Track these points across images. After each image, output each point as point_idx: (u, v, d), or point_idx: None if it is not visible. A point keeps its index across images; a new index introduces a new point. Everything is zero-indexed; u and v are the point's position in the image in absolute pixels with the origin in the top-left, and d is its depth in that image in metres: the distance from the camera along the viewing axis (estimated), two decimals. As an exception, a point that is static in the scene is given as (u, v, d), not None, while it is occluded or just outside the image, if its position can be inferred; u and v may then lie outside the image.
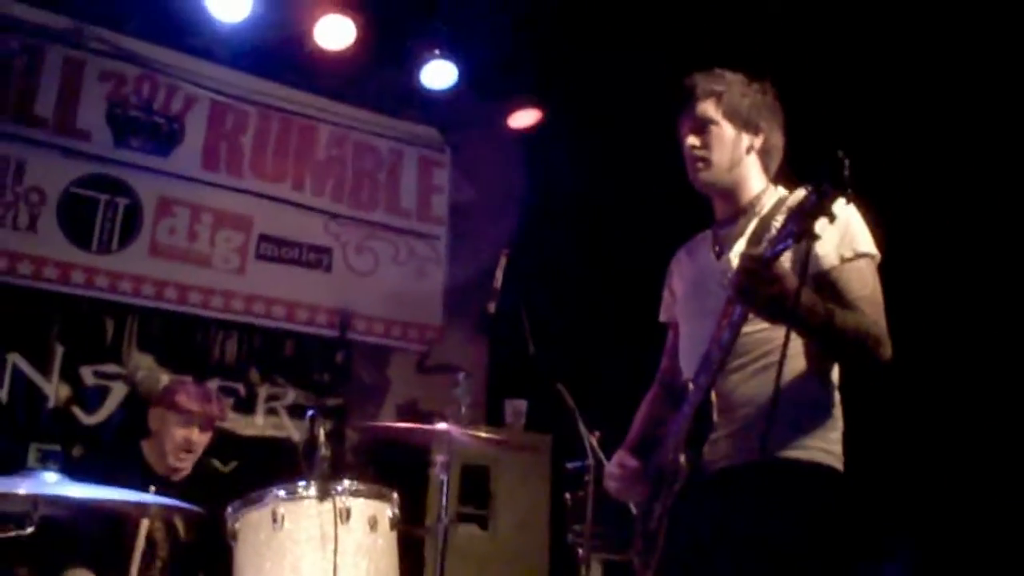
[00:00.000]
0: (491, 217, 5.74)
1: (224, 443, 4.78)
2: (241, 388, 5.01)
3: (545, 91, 5.47)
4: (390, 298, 5.47)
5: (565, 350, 4.18)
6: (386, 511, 2.85)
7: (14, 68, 4.69)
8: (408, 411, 5.27)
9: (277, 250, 5.24)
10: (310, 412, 3.15)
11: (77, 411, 4.56)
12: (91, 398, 4.60)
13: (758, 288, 2.00)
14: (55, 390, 4.53)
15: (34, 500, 2.43)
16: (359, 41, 5.02)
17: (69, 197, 4.72)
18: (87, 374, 4.62)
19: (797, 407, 2.21)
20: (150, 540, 3.40)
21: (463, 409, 4.40)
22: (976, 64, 3.58)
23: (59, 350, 4.57)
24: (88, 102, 4.85)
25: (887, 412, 3.45)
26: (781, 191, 2.44)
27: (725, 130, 2.43)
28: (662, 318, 2.74)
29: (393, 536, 2.86)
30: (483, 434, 3.58)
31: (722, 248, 2.44)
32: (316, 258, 5.35)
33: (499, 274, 3.64)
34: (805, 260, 1.94)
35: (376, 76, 5.50)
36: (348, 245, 5.46)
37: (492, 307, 3.60)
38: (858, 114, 3.76)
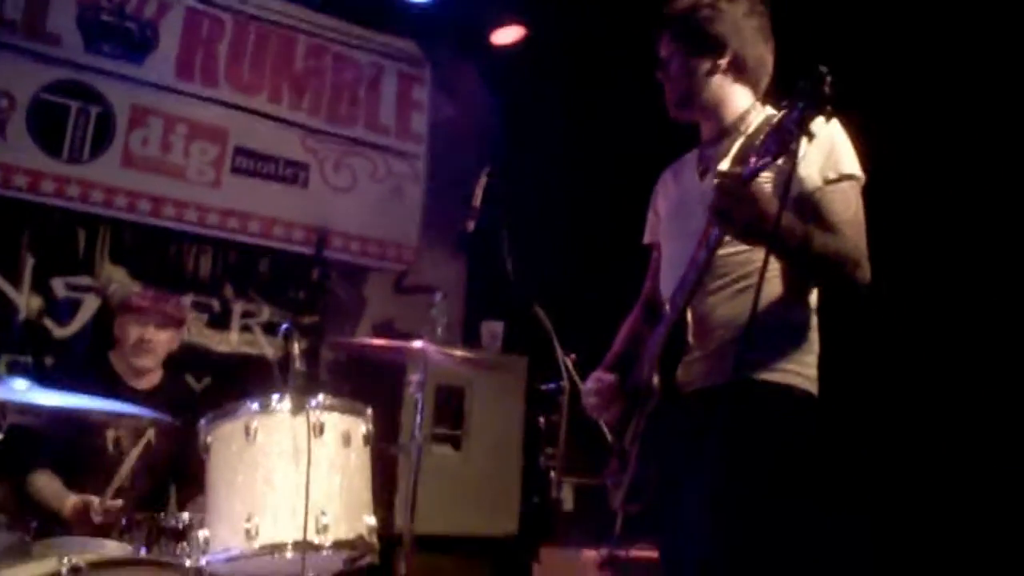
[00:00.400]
0: (471, 135, 5.66)
1: (197, 359, 4.77)
2: (215, 304, 4.96)
3: (528, 7, 5.34)
4: (368, 216, 5.40)
5: (544, 272, 4.16)
6: (360, 427, 2.83)
7: (-19, -32, 4.53)
8: (384, 330, 5.26)
9: (253, 164, 5.14)
10: (284, 327, 3.12)
11: (49, 323, 4.51)
12: (63, 310, 4.54)
13: (734, 208, 1.97)
14: (26, 301, 4.46)
15: (2, 407, 2.41)
16: (340, -51, 4.87)
17: (39, 103, 4.59)
18: (59, 286, 4.55)
19: (773, 330, 2.20)
20: (117, 447, 3.41)
21: (439, 329, 4.40)
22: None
23: (30, 261, 4.49)
24: (58, 5, 4.69)
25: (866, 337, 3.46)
26: (769, 109, 2.36)
27: (681, 61, 2.40)
28: (646, 239, 2.69)
29: (367, 452, 2.85)
30: (459, 353, 3.57)
31: (707, 168, 2.40)
32: (293, 173, 5.26)
33: (478, 193, 3.60)
34: (788, 181, 1.89)
35: (357, -14, 5.35)
36: (326, 161, 5.37)
37: (471, 226, 3.57)
38: (853, 29, 3.69)
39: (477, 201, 3.57)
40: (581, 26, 4.98)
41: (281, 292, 5.13)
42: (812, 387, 2.27)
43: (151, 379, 3.70)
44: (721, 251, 2.18)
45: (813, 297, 2.32)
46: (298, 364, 3.10)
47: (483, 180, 3.62)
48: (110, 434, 3.42)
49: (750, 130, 2.30)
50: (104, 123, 4.74)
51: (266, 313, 5.08)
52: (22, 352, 4.39)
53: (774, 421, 2.18)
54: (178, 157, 4.92)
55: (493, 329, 5.10)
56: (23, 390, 2.51)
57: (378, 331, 5.27)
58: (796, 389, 2.23)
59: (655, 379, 2.28)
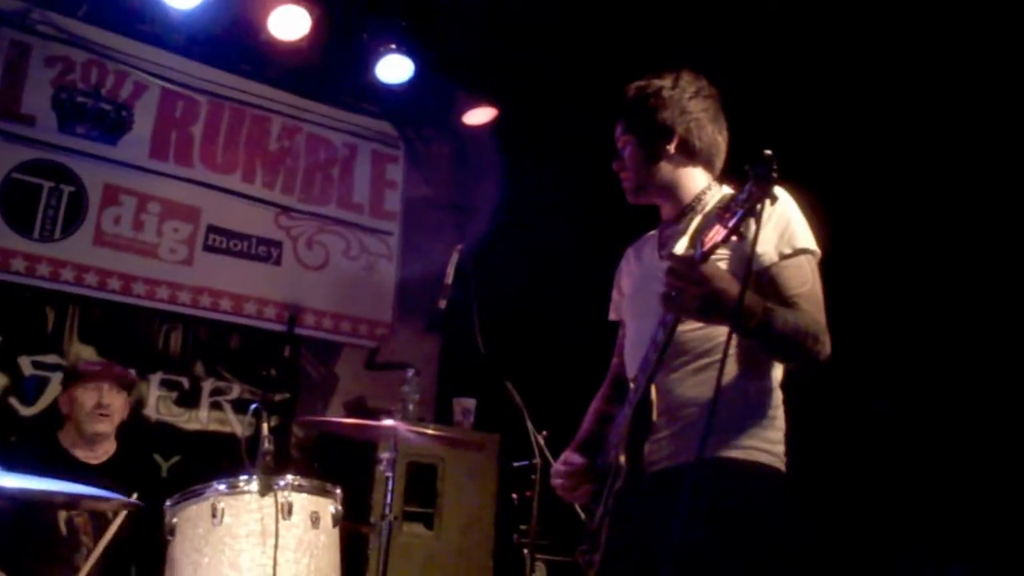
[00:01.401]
0: (444, 214, 5.72)
1: (166, 437, 4.72)
2: (185, 381, 4.92)
3: (500, 89, 5.45)
4: (340, 293, 5.41)
5: (515, 349, 4.17)
6: (329, 507, 2.82)
7: (-43, 49, 4.58)
8: (356, 408, 5.23)
9: (226, 242, 5.16)
10: (254, 406, 3.11)
11: (14, 402, 4.46)
12: (29, 389, 4.49)
13: (687, 290, 2.01)
14: (-9, 379, 4.42)
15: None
16: (314, 32, 4.97)
17: (11, 183, 4.61)
18: (25, 364, 4.51)
19: (736, 407, 2.21)
20: (71, 528, 3.33)
21: (411, 406, 4.39)
22: (923, 56, 3.63)
23: (-3, 338, 4.47)
24: (33, 86, 4.74)
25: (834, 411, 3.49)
26: (726, 188, 2.43)
27: (632, 148, 2.47)
28: (612, 316, 2.72)
29: (335, 533, 2.83)
30: (430, 431, 3.55)
31: (666, 247, 2.44)
32: (266, 251, 5.28)
33: (450, 271, 3.62)
34: (747, 260, 1.95)
35: (331, 69, 5.44)
36: (299, 239, 5.40)
37: (443, 303, 3.58)
38: (805, 107, 3.80)
39: (449, 279, 3.59)
40: (550, 107, 5.09)
41: (252, 369, 5.10)
42: (779, 463, 2.27)
43: (106, 450, 3.64)
44: (681, 328, 2.21)
45: (777, 372, 2.34)
46: (268, 443, 3.07)
47: (455, 257, 3.64)
48: (62, 515, 3.35)
49: (707, 209, 2.35)
50: (76, 202, 4.76)
51: (236, 390, 5.04)
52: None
53: (741, 499, 2.17)
54: (151, 235, 4.93)
55: (466, 405, 5.08)
56: (-15, 472, 2.47)
57: (349, 408, 5.24)
58: (762, 466, 2.23)
59: (622, 459, 2.28)
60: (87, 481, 2.73)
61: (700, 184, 2.43)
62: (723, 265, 2.15)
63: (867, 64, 3.76)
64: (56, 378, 4.50)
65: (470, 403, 5.07)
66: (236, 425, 4.98)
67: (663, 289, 2.10)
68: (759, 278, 2.19)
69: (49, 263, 4.62)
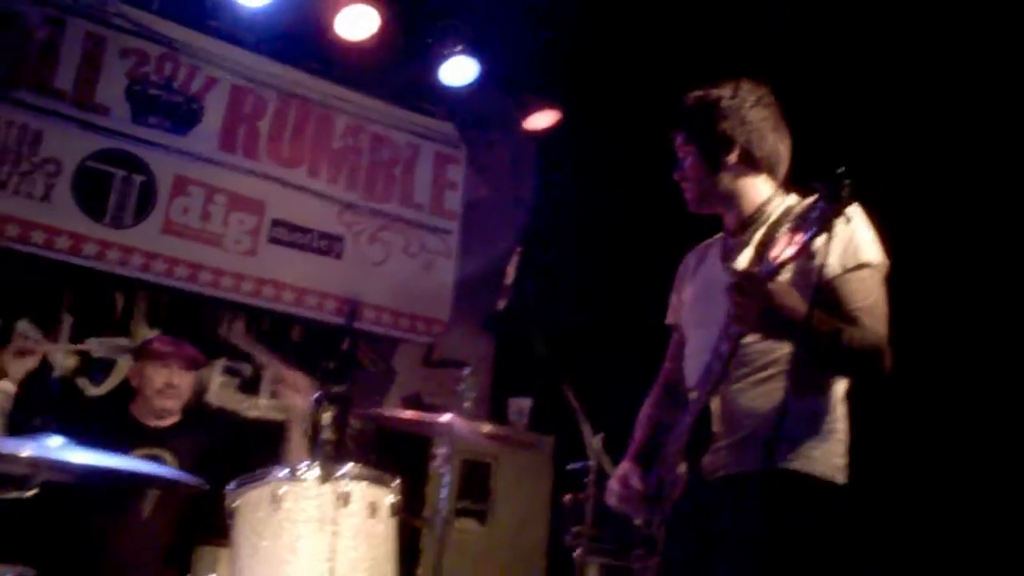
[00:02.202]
0: (504, 215, 5.75)
1: (226, 422, 4.80)
2: (247, 369, 5.01)
3: (564, 92, 5.46)
4: (399, 289, 5.46)
5: (573, 350, 4.17)
6: (386, 498, 2.84)
7: (36, 39, 4.70)
8: (412, 403, 5.26)
9: (289, 235, 5.23)
10: (315, 395, 3.15)
11: (82, 382, 4.57)
12: (97, 370, 4.61)
13: (750, 307, 2.03)
14: (62, 360, 4.53)
15: (36, 464, 2.44)
16: (381, 32, 5.03)
17: (85, 170, 4.72)
18: (94, 345, 4.62)
19: (799, 419, 2.20)
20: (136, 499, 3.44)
21: (466, 404, 4.40)
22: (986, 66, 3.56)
23: (68, 320, 4.57)
24: (108, 77, 4.85)
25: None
26: (790, 199, 2.42)
27: (693, 159, 2.47)
28: (668, 321, 2.73)
29: (392, 523, 2.85)
30: (486, 428, 3.57)
31: (730, 258, 2.44)
32: (327, 245, 5.35)
33: (510, 271, 3.64)
34: (814, 276, 1.99)
35: (396, 68, 5.49)
36: (360, 234, 5.46)
37: (502, 304, 3.60)
38: (876, 121, 3.75)
39: (508, 279, 3.61)
40: (615, 112, 5.08)
41: (311, 360, 5.16)
42: (838, 475, 2.26)
43: (173, 419, 3.77)
44: (744, 340, 2.21)
45: (841, 385, 2.32)
46: (327, 433, 3.12)
47: (515, 259, 3.66)
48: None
49: (771, 219, 2.35)
50: (147, 191, 4.86)
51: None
52: (55, 409, 4.43)
53: (802, 511, 2.17)
54: (217, 226, 5.03)
55: (521, 405, 5.09)
56: (57, 447, 2.54)
57: (406, 403, 5.28)
58: (824, 479, 2.22)
59: (681, 467, 2.30)
60: (155, 443, 2.79)
61: (764, 194, 2.42)
62: (786, 276, 2.14)
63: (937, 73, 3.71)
64: (123, 361, 4.61)
65: (525, 403, 5.08)
66: (295, 414, 5.04)
67: (726, 300, 2.11)
68: (822, 290, 2.16)
69: (119, 249, 4.73)
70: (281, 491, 2.69)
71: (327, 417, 3.17)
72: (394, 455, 4.44)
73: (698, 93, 2.48)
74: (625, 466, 2.59)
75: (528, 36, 5.13)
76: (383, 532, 2.79)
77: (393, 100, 5.68)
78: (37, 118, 4.63)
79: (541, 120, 5.59)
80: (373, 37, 5.05)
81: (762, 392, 2.26)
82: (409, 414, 3.98)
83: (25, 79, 4.64)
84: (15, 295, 4.46)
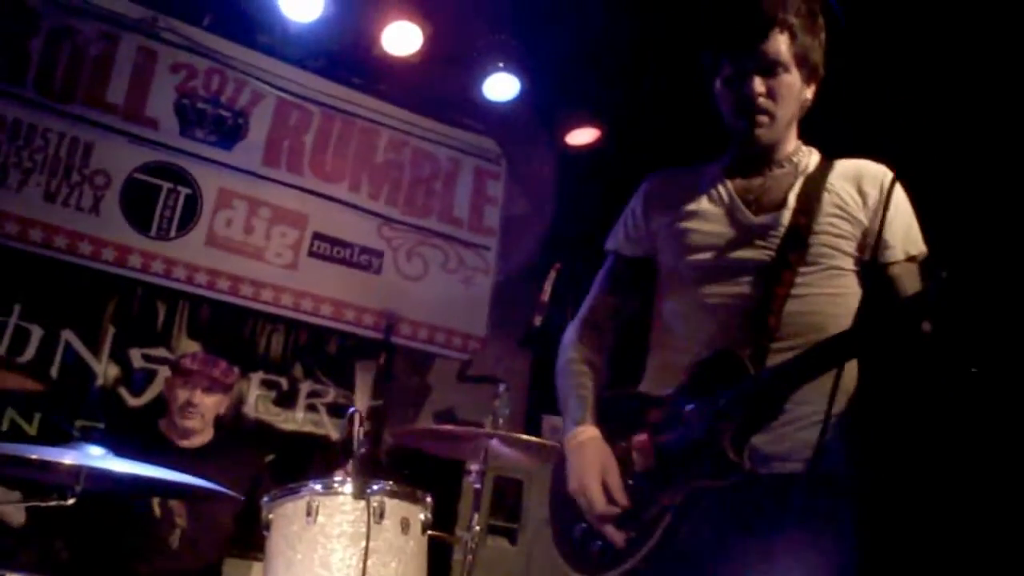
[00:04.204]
0: (543, 232, 5.76)
1: (263, 436, 4.86)
2: (284, 382, 5.05)
3: (605, 110, 5.48)
4: (436, 305, 5.49)
5: (609, 369, 4.16)
6: (419, 514, 2.86)
7: (89, 54, 4.82)
8: (446, 419, 5.28)
9: (330, 249, 5.29)
10: (351, 410, 3.18)
11: (123, 392, 4.65)
12: (138, 380, 4.68)
13: None
14: (104, 369, 4.61)
15: (78, 472, 2.50)
16: (425, 49, 5.08)
17: (132, 182, 4.82)
18: (136, 356, 4.70)
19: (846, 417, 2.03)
20: (165, 511, 3.47)
21: (501, 421, 4.40)
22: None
23: (111, 331, 4.66)
24: (158, 91, 4.96)
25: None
26: (814, 151, 2.20)
27: (794, 78, 2.07)
28: (628, 251, 2.36)
29: (424, 540, 2.86)
30: (521, 445, 3.58)
31: (755, 203, 2.13)
32: (367, 260, 5.40)
33: (547, 288, 3.64)
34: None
35: (439, 84, 5.54)
36: (399, 249, 5.50)
37: (539, 320, 3.61)
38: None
39: (546, 296, 3.62)
40: (655, 130, 5.08)
41: (348, 374, 5.21)
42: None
43: (202, 438, 3.79)
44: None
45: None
46: (361, 448, 3.14)
47: (552, 276, 3.66)
48: (156, 497, 3.50)
49: (808, 170, 2.14)
50: (191, 204, 4.95)
51: (332, 394, 5.15)
52: (96, 419, 4.52)
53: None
54: (259, 239, 5.10)
55: (555, 424, 5.09)
56: (99, 456, 2.59)
57: (440, 418, 5.30)
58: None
59: (731, 451, 1.89)
60: (181, 465, 2.84)
61: (793, 140, 2.19)
62: (834, 240, 2.03)
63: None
64: (163, 371, 4.68)
65: (560, 421, 5.07)
66: (330, 428, 5.09)
67: (763, 243, 2.03)
68: (877, 268, 2.03)
69: (163, 261, 4.82)
70: (316, 504, 2.72)
71: (361, 432, 3.19)
72: (426, 471, 4.46)
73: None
74: (603, 459, 2.08)
75: (569, 53, 5.15)
76: (414, 548, 2.80)
77: (435, 115, 5.73)
78: (88, 131, 4.75)
79: (581, 137, 5.61)
80: (416, 53, 5.10)
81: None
82: (447, 427, 4.00)
83: (78, 93, 4.76)
84: (60, 305, 4.56)
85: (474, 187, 5.82)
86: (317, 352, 5.20)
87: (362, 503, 2.71)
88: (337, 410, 5.09)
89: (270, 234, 5.13)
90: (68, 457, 2.51)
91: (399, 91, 5.58)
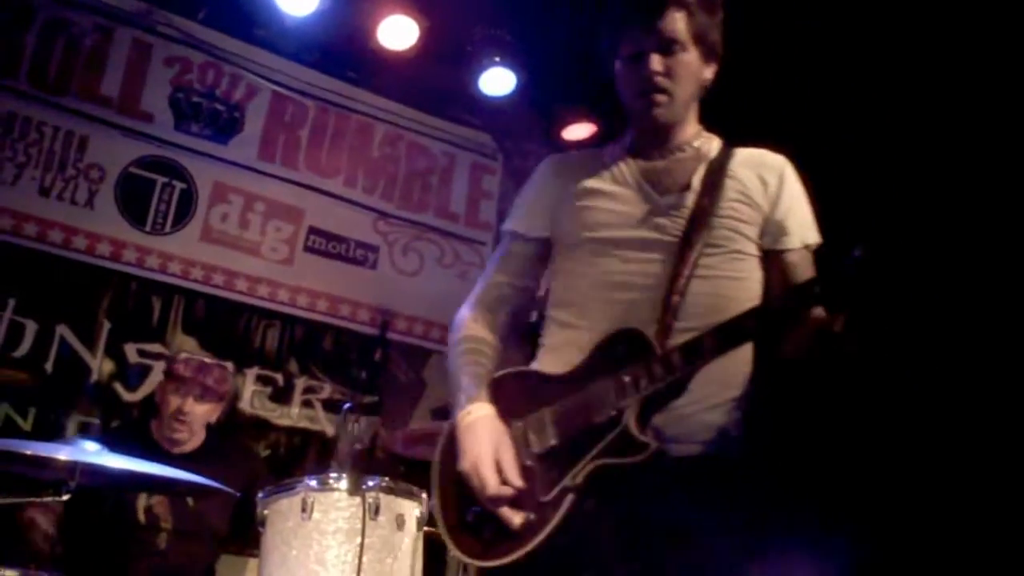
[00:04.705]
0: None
1: (258, 431, 4.85)
2: (279, 378, 5.03)
3: (601, 104, 5.47)
4: (432, 300, 5.48)
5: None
6: (415, 511, 2.85)
7: (84, 47, 4.80)
8: (442, 414, 5.27)
9: (325, 244, 5.29)
10: (346, 406, 3.17)
11: (118, 387, 4.63)
12: (132, 375, 4.67)
13: None
14: (99, 364, 4.59)
15: (73, 468, 2.49)
16: (420, 43, 5.07)
17: (127, 176, 4.81)
18: (131, 351, 4.68)
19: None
20: (150, 515, 3.45)
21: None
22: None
23: (106, 325, 4.64)
24: (153, 85, 4.95)
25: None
26: (715, 137, 2.19)
27: (692, 56, 2.06)
28: (524, 230, 2.31)
29: (419, 537, 2.86)
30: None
31: (659, 184, 2.10)
32: (363, 255, 5.39)
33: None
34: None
35: (434, 79, 5.53)
36: (395, 244, 5.50)
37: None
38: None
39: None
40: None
41: (343, 370, 5.20)
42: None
43: (192, 444, 3.72)
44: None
45: None
46: (357, 444, 3.13)
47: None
48: (141, 500, 3.47)
49: (710, 156, 2.13)
50: (186, 198, 4.94)
51: (327, 390, 5.14)
52: (91, 414, 4.50)
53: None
54: (255, 234, 5.09)
55: (549, 419, 5.08)
56: (94, 452, 2.59)
57: (436, 414, 5.29)
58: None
59: (637, 430, 1.86)
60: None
61: (695, 124, 2.18)
62: (737, 224, 2.04)
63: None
64: (158, 366, 4.67)
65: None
66: (326, 424, 5.08)
67: (670, 226, 2.03)
68: (774, 255, 2.07)
69: (158, 256, 4.81)
70: (311, 500, 2.72)
71: (357, 428, 3.18)
72: (422, 466, 4.46)
73: None
74: (497, 438, 1.98)
75: (565, 48, 5.14)
76: (410, 545, 2.80)
77: (431, 110, 5.72)
78: (83, 124, 4.74)
79: (577, 132, 5.61)
80: (412, 48, 5.09)
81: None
82: (438, 427, 3.98)
83: (72, 86, 4.74)
84: (55, 300, 4.54)
85: (470, 182, 5.81)
86: (313, 348, 5.19)
87: (357, 499, 2.71)
88: (333, 406, 5.08)
89: (266, 229, 5.12)
90: (63, 453, 2.51)
91: (395, 85, 5.56)
